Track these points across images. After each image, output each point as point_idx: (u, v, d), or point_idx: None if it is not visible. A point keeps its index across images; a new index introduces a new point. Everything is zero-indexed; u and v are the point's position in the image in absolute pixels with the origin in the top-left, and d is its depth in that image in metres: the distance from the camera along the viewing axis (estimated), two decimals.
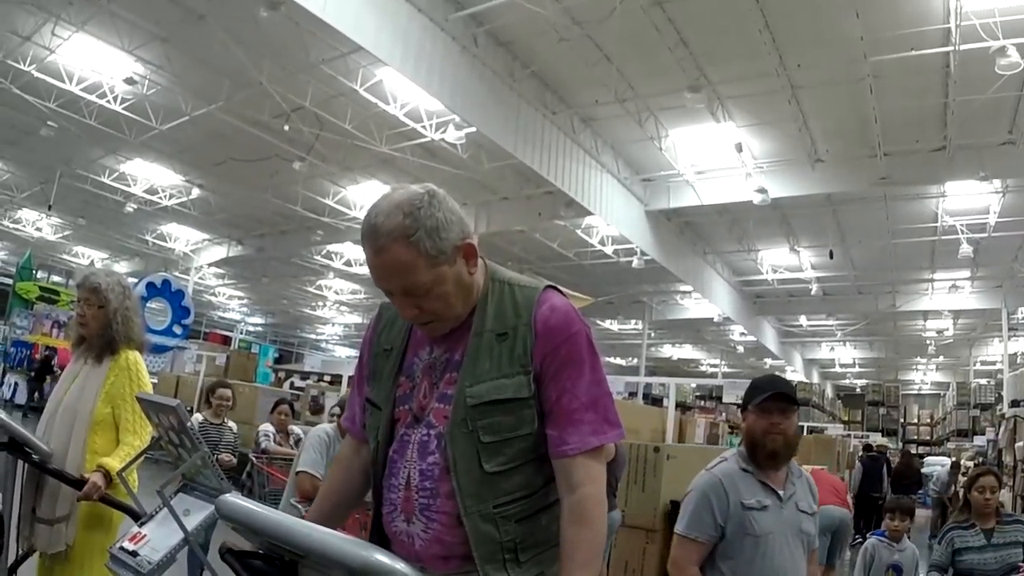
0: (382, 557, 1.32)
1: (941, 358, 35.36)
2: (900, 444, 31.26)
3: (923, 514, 18.39)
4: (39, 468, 3.57)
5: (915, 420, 35.47)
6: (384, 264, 1.86)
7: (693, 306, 27.47)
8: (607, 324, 32.48)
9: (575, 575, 1.82)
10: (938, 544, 4.88)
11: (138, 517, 3.09)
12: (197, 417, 7.39)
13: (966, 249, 17.71)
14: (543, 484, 1.94)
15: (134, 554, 2.74)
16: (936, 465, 16.66)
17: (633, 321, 30.55)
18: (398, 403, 2.04)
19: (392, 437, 2.02)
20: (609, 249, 20.47)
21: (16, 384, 21.61)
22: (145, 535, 2.80)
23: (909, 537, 5.79)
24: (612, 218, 16.68)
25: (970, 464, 16.67)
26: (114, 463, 3.48)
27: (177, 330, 20.22)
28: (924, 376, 41.21)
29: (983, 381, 28.71)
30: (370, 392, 2.13)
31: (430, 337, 2.04)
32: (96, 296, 3.83)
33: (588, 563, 1.84)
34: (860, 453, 19.15)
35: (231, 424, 7.64)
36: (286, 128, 14.79)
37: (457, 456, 1.88)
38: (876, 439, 23.64)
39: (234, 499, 1.54)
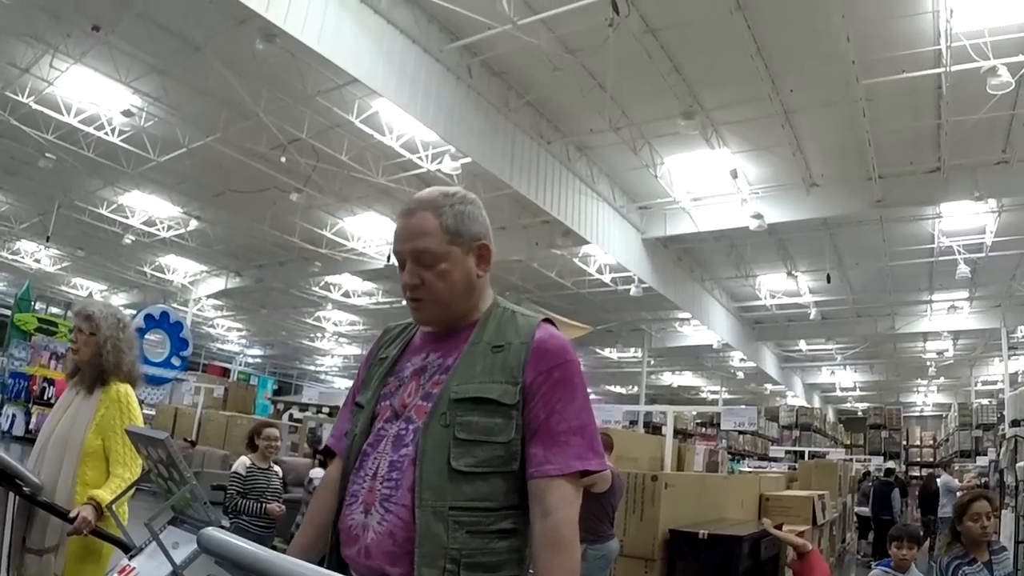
0: None
1: (942, 379, 35.35)
2: (903, 466, 31.17)
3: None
4: (29, 500, 3.56)
5: (918, 442, 35.32)
6: (407, 225, 2.03)
7: (692, 333, 27.47)
8: (606, 352, 32.48)
9: None
10: None
11: (128, 550, 3.08)
12: (244, 462, 6.76)
13: (964, 269, 17.72)
14: (505, 505, 1.90)
15: None
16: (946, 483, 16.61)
17: (632, 349, 30.53)
18: (381, 400, 2.06)
19: (369, 432, 2.03)
20: (607, 277, 20.47)
21: (14, 415, 21.55)
22: (134, 568, 2.78)
23: (916, 565, 5.37)
24: (609, 247, 16.72)
25: (973, 483, 16.60)
26: (105, 495, 3.48)
27: (175, 362, 20.14)
28: (925, 398, 41.21)
29: (984, 401, 28.62)
30: (360, 397, 2.15)
31: (424, 343, 2.10)
32: (88, 324, 3.85)
33: None
34: (873, 478, 19.13)
35: (277, 468, 7.01)
36: (283, 159, 14.86)
37: (427, 447, 1.88)
38: (878, 463, 23.61)
39: (216, 532, 1.54)
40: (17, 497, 3.60)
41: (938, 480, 18.99)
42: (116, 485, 3.58)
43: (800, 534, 8.80)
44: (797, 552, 8.14)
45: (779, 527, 8.65)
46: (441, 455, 1.86)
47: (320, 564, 2.02)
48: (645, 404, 27.38)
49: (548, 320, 2.08)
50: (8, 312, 25.47)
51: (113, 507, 3.37)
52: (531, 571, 1.91)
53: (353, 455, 2.03)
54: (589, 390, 2.04)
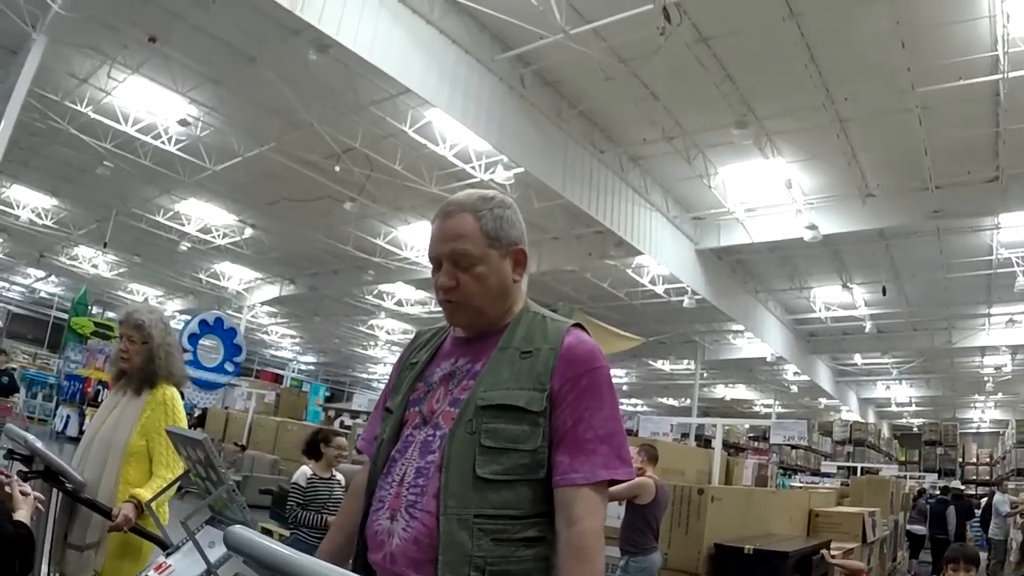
0: None
1: (1000, 395, 34.65)
2: (959, 484, 30.59)
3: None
4: (72, 497, 3.62)
5: (974, 459, 34.62)
6: (445, 227, 2.02)
7: (746, 345, 27.28)
8: (659, 364, 32.33)
9: None
10: None
11: (166, 547, 3.12)
12: (305, 472, 6.52)
13: (1023, 282, 17.38)
14: (531, 513, 1.87)
15: None
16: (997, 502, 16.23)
17: (685, 361, 30.38)
18: (410, 405, 2.06)
19: (398, 438, 2.03)
20: (660, 288, 20.41)
21: (68, 417, 21.90)
22: (171, 565, 2.81)
23: None
24: (662, 257, 16.66)
25: None
26: (145, 494, 3.53)
27: (229, 367, 20.38)
28: (982, 414, 40.39)
29: None
30: (390, 402, 2.15)
31: (454, 348, 2.11)
32: (139, 332, 3.89)
33: None
34: (928, 495, 18.78)
35: (339, 477, 6.68)
36: (337, 169, 15.00)
37: (453, 455, 1.86)
38: (932, 479, 23.21)
39: (242, 531, 1.54)
40: (61, 494, 3.66)
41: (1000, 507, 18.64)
42: (157, 485, 3.62)
43: (849, 551, 8.67)
44: (848, 574, 8.01)
45: (827, 544, 8.52)
46: (466, 462, 1.85)
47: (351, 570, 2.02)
48: (697, 416, 27.18)
49: (578, 325, 2.06)
50: (65, 316, 25.94)
51: (153, 506, 3.42)
52: None
53: (381, 461, 2.03)
54: (641, 402, 2.01)
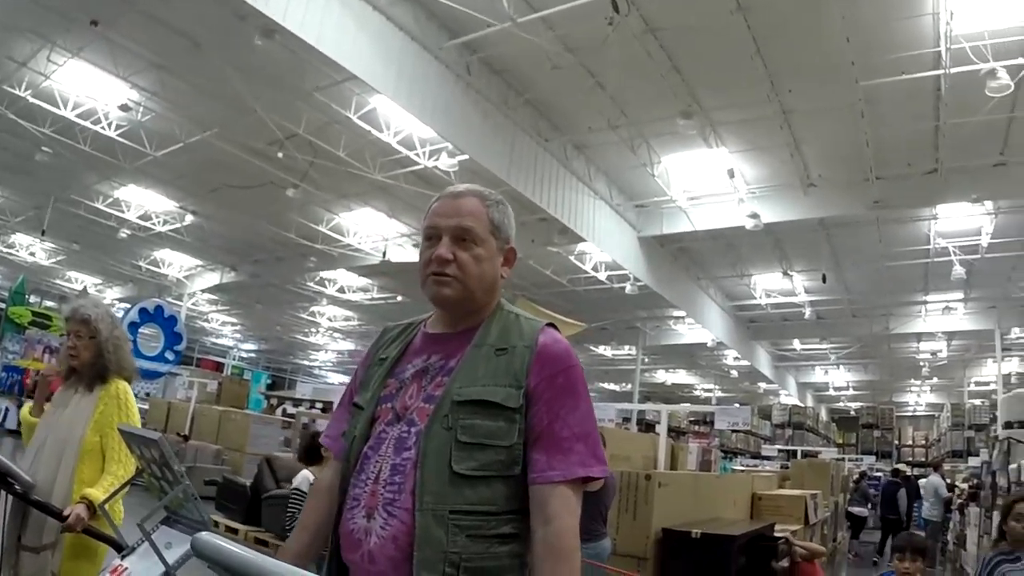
0: None
1: (935, 380, 35.36)
2: (903, 466, 31.21)
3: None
4: (21, 499, 3.56)
5: (910, 442, 35.35)
6: (456, 203, 2.07)
7: (687, 331, 27.52)
8: (600, 350, 32.53)
9: None
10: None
11: (120, 549, 3.07)
12: (307, 477, 6.41)
13: (959, 271, 17.77)
14: (505, 509, 1.88)
15: None
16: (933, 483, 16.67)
17: (627, 347, 30.60)
18: (381, 402, 2.04)
19: (369, 435, 2.00)
20: (603, 275, 20.51)
21: (7, 409, 21.50)
22: (127, 568, 2.78)
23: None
24: (605, 245, 16.74)
25: (964, 486, 16.64)
26: (97, 494, 3.48)
27: (169, 356, 20.20)
28: (918, 398, 41.24)
29: (977, 402, 28.69)
30: (358, 398, 2.12)
31: (425, 344, 2.10)
32: (87, 327, 3.84)
33: None
34: (871, 479, 19.19)
35: None
36: (280, 155, 14.83)
37: (429, 450, 1.86)
38: (870, 462, 23.67)
39: (209, 537, 1.52)
40: (10, 496, 3.59)
41: (920, 480, 19.09)
42: (109, 483, 3.57)
43: (792, 534, 8.80)
44: (807, 557, 8.13)
45: (771, 527, 8.65)
46: (443, 458, 1.85)
47: (317, 569, 2.01)
48: (639, 402, 27.40)
49: (552, 324, 2.07)
50: (3, 305, 25.44)
51: (106, 506, 3.37)
52: None
53: (353, 458, 2.00)
54: None
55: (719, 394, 38.92)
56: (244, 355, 47.40)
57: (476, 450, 1.86)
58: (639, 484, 7.34)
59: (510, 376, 1.92)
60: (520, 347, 1.96)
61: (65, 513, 3.45)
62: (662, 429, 11.13)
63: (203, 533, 1.55)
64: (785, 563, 7.92)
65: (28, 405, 4.12)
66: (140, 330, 18.79)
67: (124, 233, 21.98)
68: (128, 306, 20.29)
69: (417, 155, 14.29)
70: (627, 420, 20.67)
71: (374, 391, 2.07)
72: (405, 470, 1.88)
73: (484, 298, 2.06)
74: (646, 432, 18.18)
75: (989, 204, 15.21)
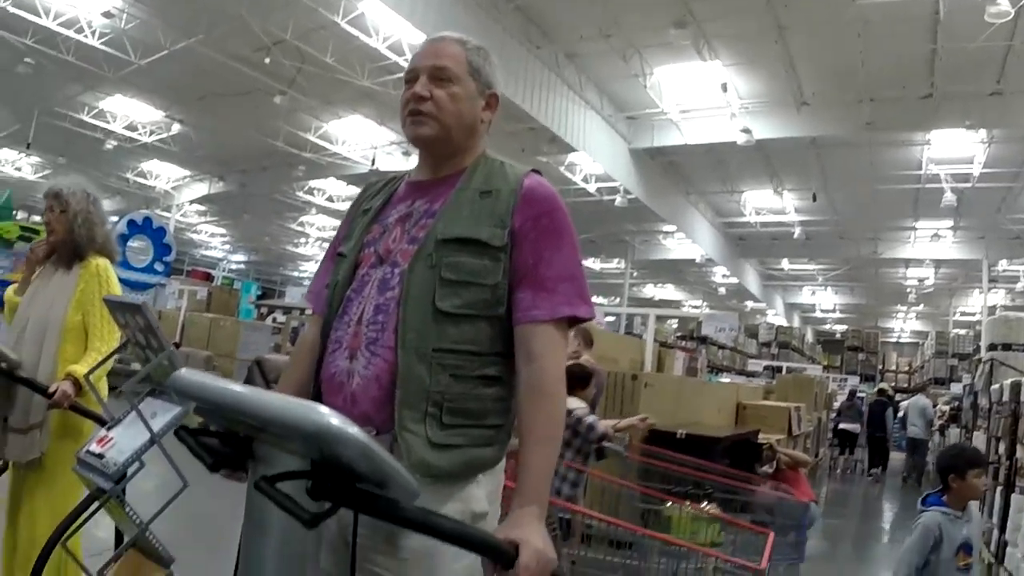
0: (336, 421, 1.27)
1: (921, 307, 35.65)
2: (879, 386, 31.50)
3: (896, 456, 18.69)
4: (8, 377, 3.54)
5: (893, 367, 35.59)
6: (435, 47, 2.05)
7: (676, 246, 27.48)
8: (589, 263, 32.44)
9: (534, 450, 1.77)
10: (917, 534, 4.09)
11: (105, 423, 3.08)
12: None
13: (949, 198, 17.75)
14: (489, 351, 1.87)
15: (100, 456, 2.73)
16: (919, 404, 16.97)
17: (615, 260, 30.63)
18: (364, 247, 2.02)
19: (353, 279, 1.99)
20: (592, 187, 20.36)
21: None
22: (112, 438, 2.79)
23: None
24: (595, 155, 16.68)
25: (945, 408, 16.86)
26: (80, 368, 3.48)
27: (159, 267, 20.07)
28: (904, 324, 41.54)
29: (962, 331, 28.84)
30: (342, 247, 2.10)
31: (409, 191, 2.08)
32: (58, 201, 3.81)
33: (548, 439, 1.80)
34: (857, 397, 19.45)
35: None
36: (267, 61, 14.62)
37: (412, 288, 1.85)
38: (854, 383, 23.88)
39: (188, 373, 1.50)
40: None
41: (904, 403, 19.35)
42: (92, 358, 3.57)
43: (777, 442, 8.89)
44: (791, 464, 8.20)
45: (756, 433, 8.74)
46: (426, 296, 1.83)
47: None
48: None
49: (536, 171, 2.05)
50: None
51: (92, 382, 3.37)
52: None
53: (335, 303, 1.99)
54: None
55: (707, 311, 39.07)
56: (234, 267, 47.24)
57: (460, 287, 1.85)
58: (625, 384, 7.40)
59: (495, 217, 1.90)
60: (505, 190, 1.94)
61: (51, 390, 3.45)
62: (649, 335, 11.14)
63: (181, 370, 1.52)
64: (769, 469, 7.99)
65: (14, 286, 4.08)
66: (129, 243, 18.63)
67: (110, 144, 21.73)
68: (116, 218, 20.06)
69: (406, 60, 14.04)
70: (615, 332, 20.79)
71: (357, 238, 2.05)
72: (388, 309, 1.86)
73: (464, 140, 2.03)
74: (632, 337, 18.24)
75: (983, 133, 15.19)
